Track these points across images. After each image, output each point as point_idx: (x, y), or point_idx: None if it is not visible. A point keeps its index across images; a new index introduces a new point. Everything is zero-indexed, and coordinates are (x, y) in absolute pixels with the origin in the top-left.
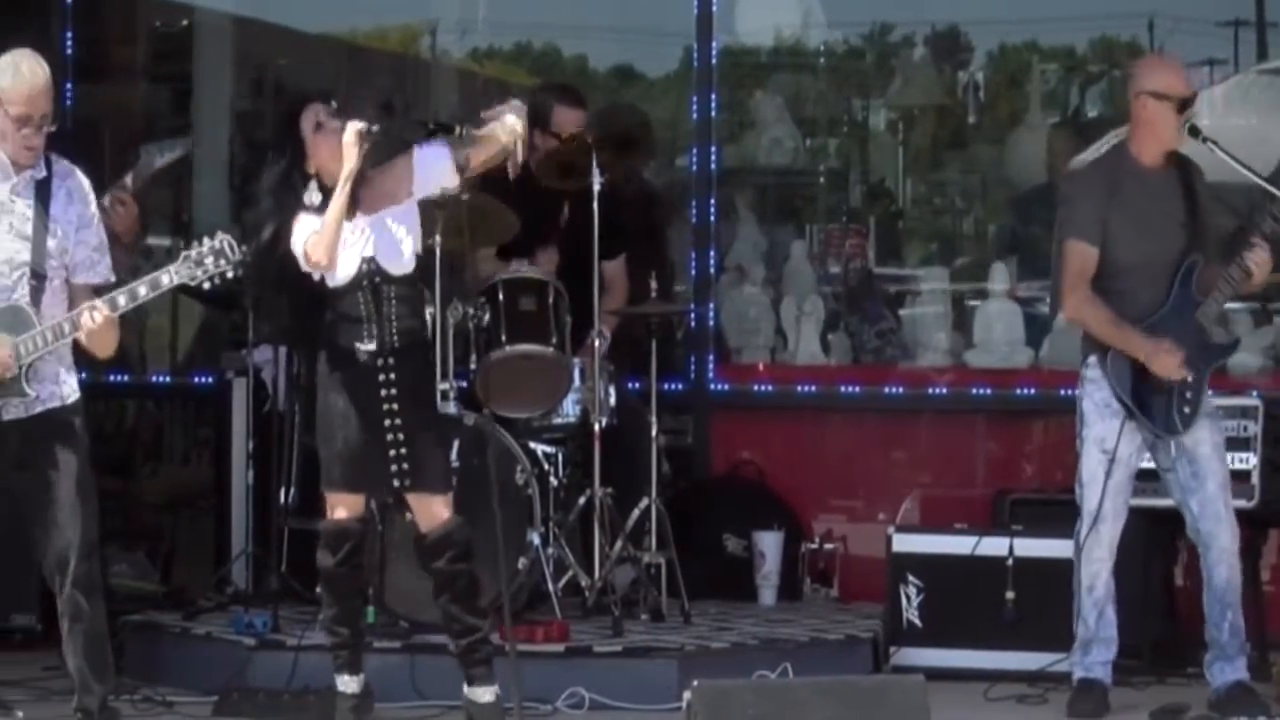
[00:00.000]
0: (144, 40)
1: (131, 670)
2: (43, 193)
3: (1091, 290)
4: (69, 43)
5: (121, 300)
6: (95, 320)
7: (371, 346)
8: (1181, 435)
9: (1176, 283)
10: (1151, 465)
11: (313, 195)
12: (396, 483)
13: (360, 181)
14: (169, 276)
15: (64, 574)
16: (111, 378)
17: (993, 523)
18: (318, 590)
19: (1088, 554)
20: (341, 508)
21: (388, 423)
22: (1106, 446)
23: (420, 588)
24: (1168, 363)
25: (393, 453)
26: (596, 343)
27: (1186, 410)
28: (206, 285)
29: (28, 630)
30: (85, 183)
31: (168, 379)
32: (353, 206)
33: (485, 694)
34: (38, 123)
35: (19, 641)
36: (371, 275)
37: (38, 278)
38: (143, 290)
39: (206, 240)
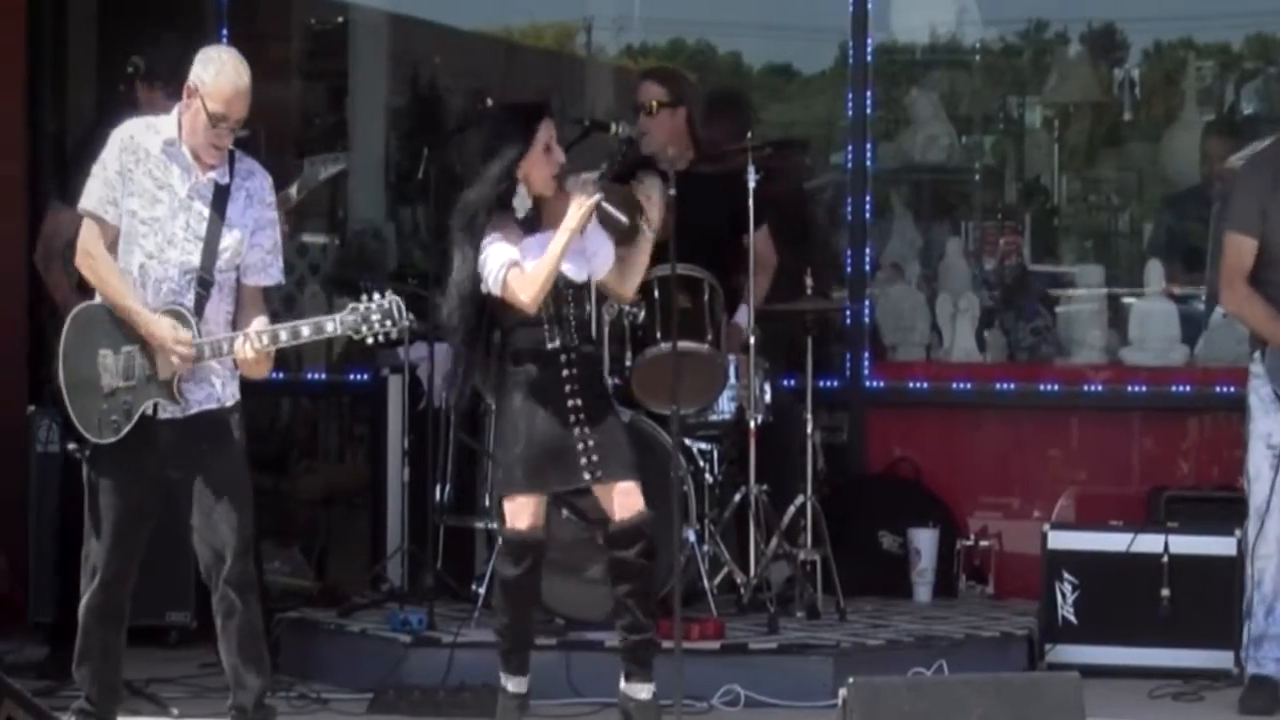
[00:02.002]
0: (299, 38)
1: (286, 667)
2: (221, 197)
3: (1250, 283)
4: (224, 41)
5: (283, 336)
6: (248, 352)
7: (556, 344)
8: None
9: None
10: None
11: (523, 202)
12: (587, 475)
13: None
14: (333, 325)
15: (219, 572)
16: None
17: (1148, 520)
18: (472, 589)
19: (1255, 550)
20: (524, 515)
21: (572, 417)
22: (1273, 442)
23: (575, 586)
24: None
25: (580, 445)
26: (751, 340)
27: None
28: (370, 341)
29: (183, 628)
30: (267, 183)
31: (323, 376)
32: (541, 219)
33: (643, 691)
34: (232, 125)
35: (175, 639)
36: (555, 279)
37: (204, 284)
38: (305, 331)
39: (377, 297)
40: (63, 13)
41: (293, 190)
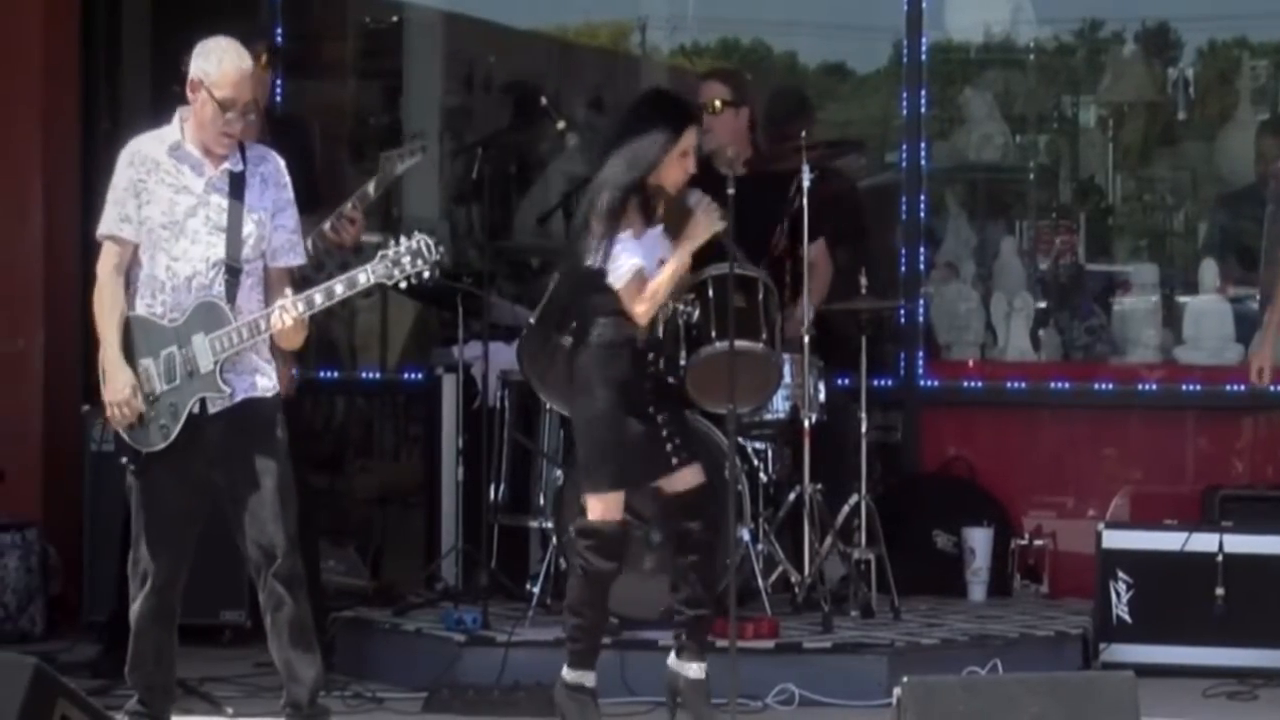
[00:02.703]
0: (354, 37)
1: (341, 667)
2: (237, 185)
3: None
4: (279, 39)
5: (318, 299)
6: (286, 322)
7: (643, 337)
8: None
9: None
10: None
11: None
12: (674, 460)
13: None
14: (366, 275)
15: (267, 569)
16: (322, 374)
17: (1203, 519)
18: (527, 588)
19: None
20: (616, 509)
21: (653, 408)
22: None
23: (630, 584)
24: None
25: (664, 432)
26: (805, 339)
27: None
28: (403, 285)
29: (237, 627)
30: (280, 165)
31: (378, 375)
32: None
33: (694, 669)
34: (241, 109)
35: (229, 638)
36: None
37: (232, 273)
38: (339, 289)
39: (404, 240)
40: (117, 12)
41: (370, 186)
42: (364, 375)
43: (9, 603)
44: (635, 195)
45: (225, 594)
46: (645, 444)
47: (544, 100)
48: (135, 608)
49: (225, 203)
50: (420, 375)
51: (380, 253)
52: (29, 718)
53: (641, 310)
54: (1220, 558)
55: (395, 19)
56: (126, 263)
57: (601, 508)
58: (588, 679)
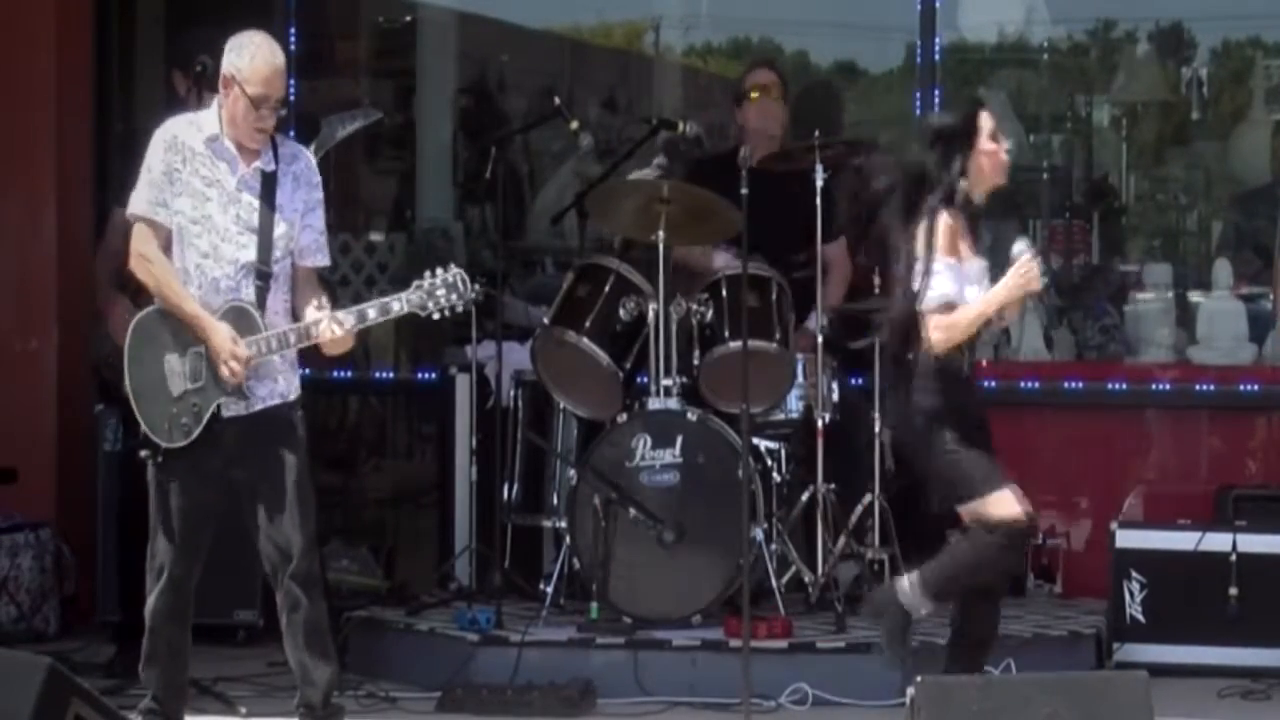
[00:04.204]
0: (367, 36)
1: (355, 666)
2: (269, 185)
3: None
4: (292, 39)
5: (371, 313)
6: (336, 333)
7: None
8: None
9: None
10: None
11: (959, 204)
12: None
13: None
14: (399, 304)
15: (284, 570)
16: (335, 374)
17: (1216, 519)
18: (540, 587)
19: None
20: (1017, 500)
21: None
22: None
23: (643, 585)
24: None
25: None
26: (819, 338)
27: None
28: (435, 316)
29: (251, 626)
30: (311, 163)
31: (391, 375)
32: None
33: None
34: (273, 104)
35: (242, 638)
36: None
37: (263, 277)
38: (372, 314)
39: (440, 272)
40: (130, 13)
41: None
42: (377, 375)
43: (23, 602)
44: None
45: (238, 594)
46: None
47: (557, 100)
48: (150, 602)
49: (256, 203)
50: (434, 375)
51: (416, 282)
52: (43, 717)
53: (940, 339)
54: (1234, 557)
55: (409, 19)
56: (164, 245)
57: (1003, 503)
58: (925, 608)
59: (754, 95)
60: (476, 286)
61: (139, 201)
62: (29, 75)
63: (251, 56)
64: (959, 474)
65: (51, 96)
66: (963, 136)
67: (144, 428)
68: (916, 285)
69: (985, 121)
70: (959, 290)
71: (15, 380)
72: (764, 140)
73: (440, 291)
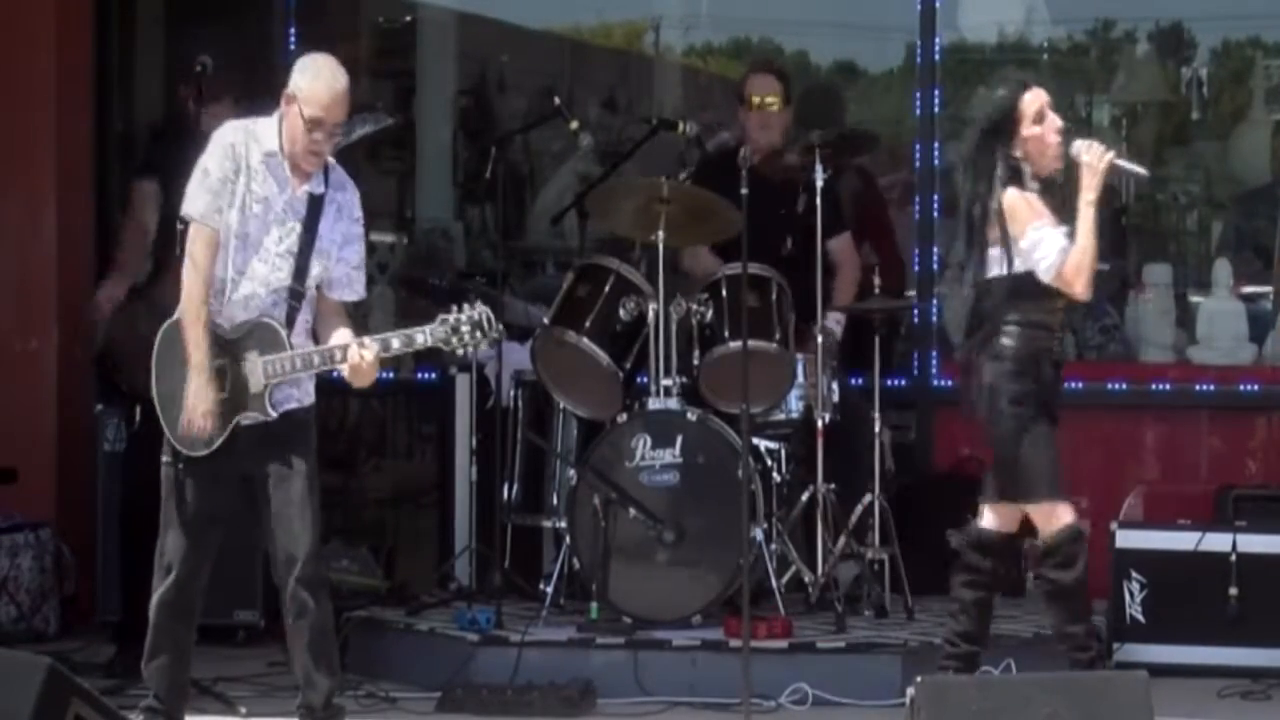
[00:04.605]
0: (367, 37)
1: (355, 666)
2: (314, 211)
3: None
4: (291, 39)
5: (395, 344)
6: (365, 358)
7: (1060, 349)
8: None
9: None
10: None
11: (1029, 184)
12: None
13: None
14: (424, 337)
15: (291, 572)
16: (335, 374)
17: (1216, 519)
18: (540, 587)
19: None
20: (1067, 512)
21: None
22: None
23: (643, 585)
24: None
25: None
26: (820, 339)
27: None
28: (460, 353)
29: (251, 627)
30: (356, 198)
31: (391, 375)
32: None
33: None
34: (330, 130)
35: (242, 638)
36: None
37: (296, 297)
38: (396, 344)
39: (467, 309)
40: (130, 13)
41: None
42: (378, 375)
43: (23, 602)
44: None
45: (239, 594)
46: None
47: (557, 100)
48: (156, 598)
49: (299, 228)
50: (434, 375)
51: (441, 316)
52: (43, 717)
53: (1081, 286)
54: (1234, 557)
55: (409, 19)
56: (214, 251)
57: (1058, 513)
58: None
59: (755, 103)
60: (500, 327)
61: (197, 204)
62: (29, 75)
63: (314, 77)
64: (1033, 471)
65: (51, 96)
66: (1003, 127)
67: (169, 435)
68: (1000, 269)
69: (1029, 105)
70: (1067, 241)
71: (15, 380)
72: (764, 148)
73: (465, 329)
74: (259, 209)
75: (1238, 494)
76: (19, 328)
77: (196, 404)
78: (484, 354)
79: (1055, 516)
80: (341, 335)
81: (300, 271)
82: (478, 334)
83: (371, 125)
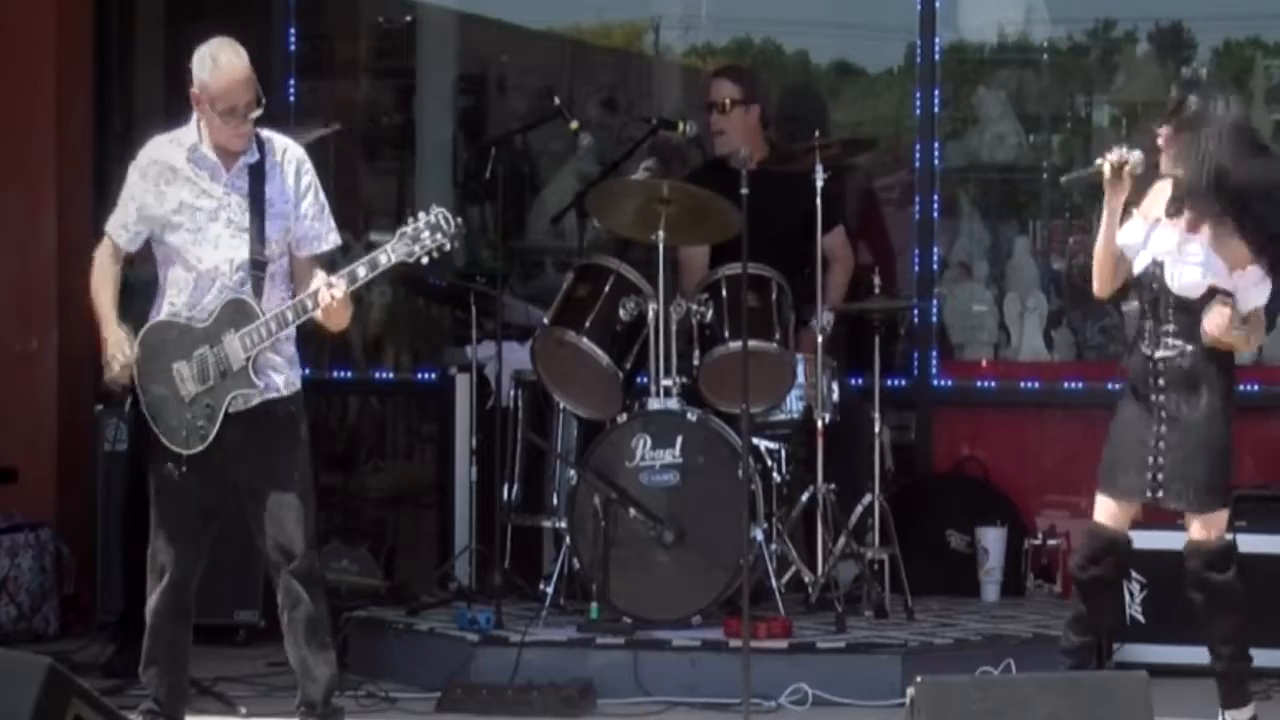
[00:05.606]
0: (367, 36)
1: (355, 666)
2: (257, 178)
3: None
4: (292, 39)
5: (361, 272)
6: (336, 296)
7: (1148, 350)
8: None
9: None
10: None
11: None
12: (1149, 493)
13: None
14: (386, 256)
15: (285, 567)
16: (335, 374)
17: None
18: (540, 587)
19: None
20: (1102, 511)
21: (1156, 429)
22: None
23: (643, 585)
24: None
25: (1151, 459)
26: (819, 337)
27: None
28: (425, 260)
29: (251, 627)
30: (298, 152)
31: (391, 375)
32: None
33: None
34: (243, 111)
35: (242, 638)
36: (1150, 281)
37: (258, 266)
38: (362, 271)
39: (422, 215)
40: (130, 12)
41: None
42: (377, 375)
43: (23, 602)
44: None
45: (239, 594)
46: (1131, 461)
47: (557, 100)
48: (151, 602)
49: (245, 201)
50: (433, 375)
51: (399, 231)
52: (43, 717)
53: (1096, 288)
54: None
55: (409, 19)
56: (121, 259)
57: (1096, 506)
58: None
59: (726, 105)
60: (459, 220)
61: (112, 218)
62: (29, 77)
63: (212, 69)
64: (1216, 474)
65: (51, 97)
66: None
67: (164, 440)
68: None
69: None
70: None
71: (15, 380)
72: (725, 148)
73: (425, 234)
74: (203, 202)
75: (1238, 494)
76: (19, 328)
77: (115, 353)
78: (484, 353)
79: (1097, 509)
80: (313, 285)
81: (256, 240)
82: (438, 235)
83: (320, 131)
